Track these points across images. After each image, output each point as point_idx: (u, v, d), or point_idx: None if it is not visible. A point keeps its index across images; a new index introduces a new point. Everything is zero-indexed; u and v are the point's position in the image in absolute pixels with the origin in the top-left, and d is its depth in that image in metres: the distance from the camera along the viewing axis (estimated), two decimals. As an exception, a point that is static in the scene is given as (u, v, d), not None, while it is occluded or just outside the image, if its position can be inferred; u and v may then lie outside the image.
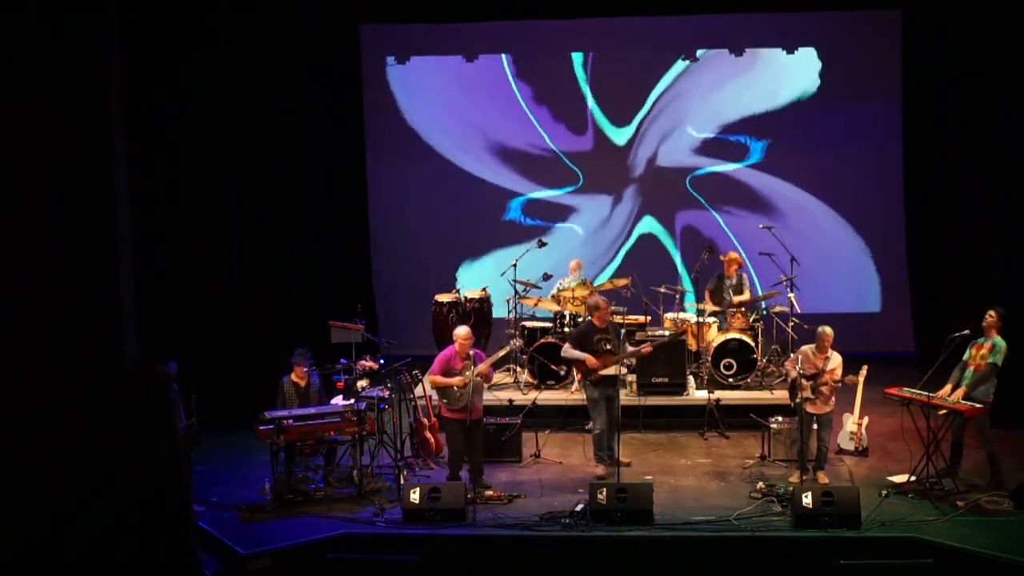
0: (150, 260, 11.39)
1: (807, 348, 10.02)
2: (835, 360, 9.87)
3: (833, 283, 14.06)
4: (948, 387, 9.80)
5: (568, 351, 10.41)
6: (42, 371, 5.70)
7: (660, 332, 12.03)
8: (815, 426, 9.91)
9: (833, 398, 9.92)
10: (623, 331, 10.61)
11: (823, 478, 9.89)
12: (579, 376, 11.91)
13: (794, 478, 9.93)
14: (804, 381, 9.85)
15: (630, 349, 10.32)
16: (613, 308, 11.11)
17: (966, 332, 9.77)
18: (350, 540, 9.06)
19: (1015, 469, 9.93)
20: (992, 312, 9.75)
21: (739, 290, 12.51)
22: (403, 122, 14.49)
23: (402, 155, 14.57)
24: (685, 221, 14.45)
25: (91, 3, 6.50)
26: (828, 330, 9.89)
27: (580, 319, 12.28)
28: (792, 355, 10.47)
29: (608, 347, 10.12)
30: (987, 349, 9.64)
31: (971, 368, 9.71)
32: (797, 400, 9.94)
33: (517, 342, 10.89)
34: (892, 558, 8.64)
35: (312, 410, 9.95)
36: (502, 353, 10.78)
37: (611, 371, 10.11)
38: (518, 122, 14.50)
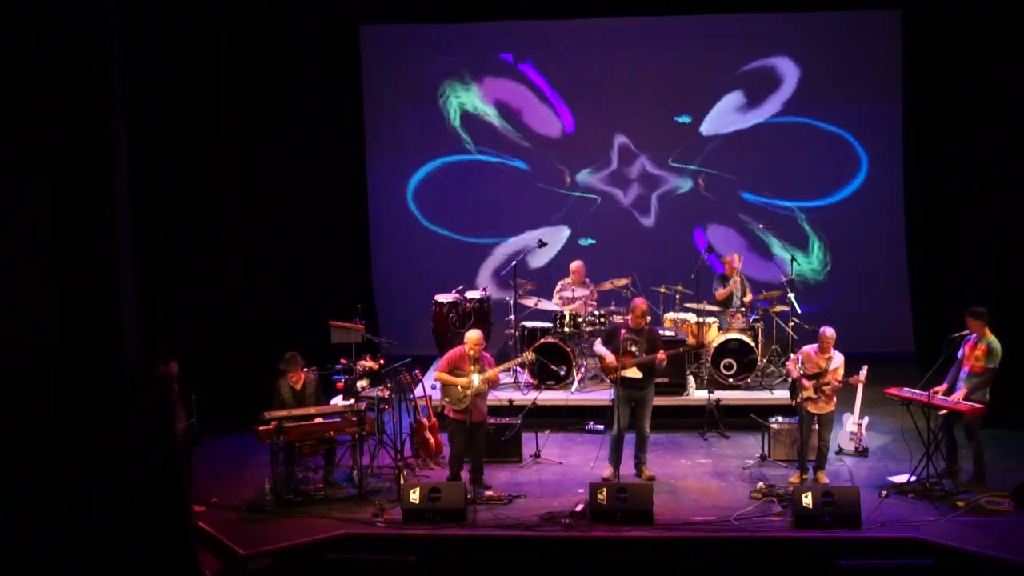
0: (150, 260, 11.39)
1: (809, 348, 10.02)
2: (838, 360, 9.87)
3: (832, 283, 14.05)
4: (945, 386, 9.81)
5: (596, 346, 10.48)
6: (41, 371, 5.69)
7: (660, 332, 12.01)
8: (816, 426, 9.92)
9: (835, 398, 9.92)
10: (649, 333, 10.27)
11: (823, 478, 9.89)
12: (579, 377, 11.94)
13: (794, 478, 9.94)
14: (806, 381, 9.86)
15: (645, 356, 10.11)
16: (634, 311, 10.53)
17: (966, 332, 9.79)
18: (350, 540, 9.06)
19: (1014, 469, 9.94)
20: (973, 315, 9.76)
21: (744, 292, 12.55)
22: (403, 121, 14.49)
23: (402, 155, 14.57)
24: (685, 221, 14.44)
25: (91, 3, 6.49)
26: (830, 331, 9.89)
27: (580, 319, 12.30)
28: (793, 355, 10.48)
29: (633, 349, 10.05)
30: (982, 352, 9.65)
31: (967, 368, 9.72)
32: (798, 400, 9.95)
33: (530, 355, 10.81)
34: (892, 558, 8.65)
35: (312, 410, 9.96)
36: (515, 362, 10.77)
37: (629, 373, 10.01)
38: (519, 121, 14.49)
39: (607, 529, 9.05)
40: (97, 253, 6.25)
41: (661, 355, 10.12)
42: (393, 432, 10.53)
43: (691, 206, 14.40)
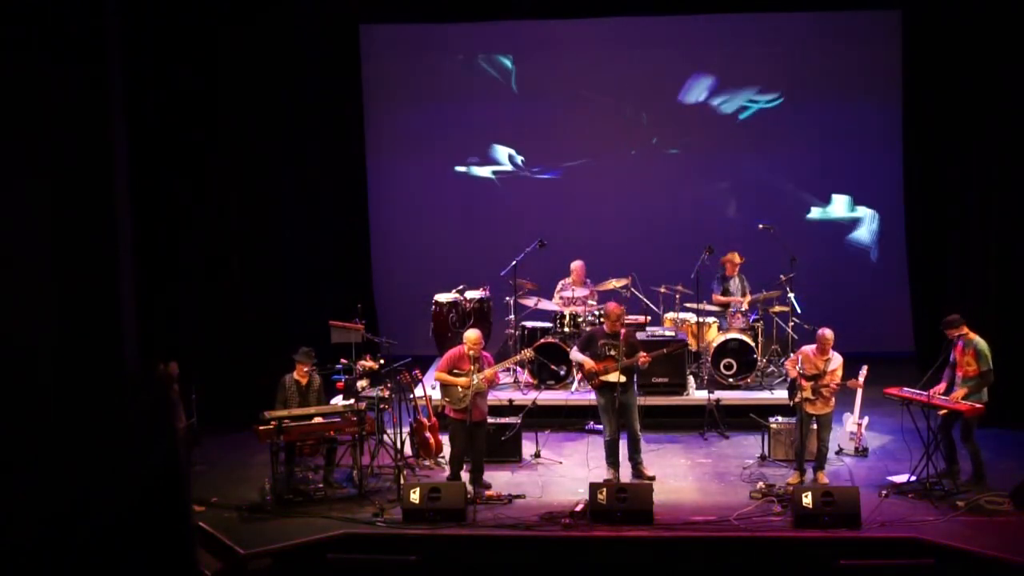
0: (150, 260, 11.39)
1: (807, 349, 10.02)
2: (836, 361, 9.86)
3: (832, 283, 14.04)
4: (943, 385, 9.81)
5: (573, 353, 10.39)
6: (41, 371, 5.69)
7: (660, 332, 12.02)
8: (814, 426, 9.92)
9: (833, 399, 9.92)
10: (626, 337, 10.13)
11: (823, 478, 9.88)
12: (579, 377, 11.94)
13: (791, 479, 9.92)
14: (804, 381, 9.85)
15: (627, 359, 9.98)
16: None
17: (956, 337, 9.80)
18: (350, 540, 9.06)
19: (1014, 469, 9.94)
20: (947, 326, 9.80)
21: (744, 292, 12.53)
22: (403, 121, 14.49)
23: (402, 155, 14.57)
24: (684, 220, 14.43)
25: (91, 3, 6.49)
26: (828, 333, 9.88)
27: (580, 319, 12.29)
28: (792, 355, 10.47)
29: (612, 353, 9.95)
30: (971, 355, 9.65)
31: (960, 373, 9.73)
32: (796, 400, 9.94)
33: (528, 352, 10.79)
34: (892, 558, 8.64)
35: (312, 410, 9.96)
36: (514, 360, 10.76)
37: (611, 378, 9.94)
38: (518, 121, 14.50)
39: (607, 529, 9.05)
40: (97, 253, 6.25)
41: (646, 357, 10.07)
42: (393, 432, 10.52)
43: (691, 205, 14.41)
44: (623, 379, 9.93)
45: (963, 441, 9.81)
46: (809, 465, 9.96)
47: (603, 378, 9.95)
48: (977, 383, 9.62)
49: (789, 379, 10.17)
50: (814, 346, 9.95)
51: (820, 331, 9.96)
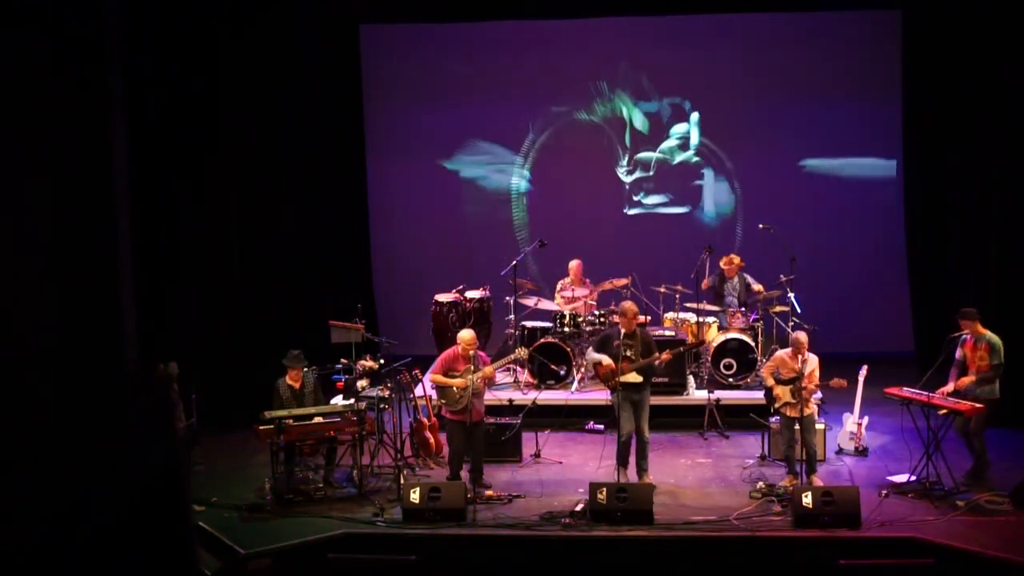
0: (150, 260, 11.39)
1: (782, 353, 10.02)
2: (812, 363, 9.85)
3: (832, 283, 14.04)
4: (951, 386, 9.81)
5: (589, 353, 10.32)
6: (41, 371, 5.70)
7: (660, 332, 12.02)
8: (797, 427, 9.85)
9: (812, 400, 9.91)
10: (643, 336, 10.03)
11: (816, 481, 9.81)
12: (580, 376, 11.93)
13: (785, 482, 9.86)
14: (779, 388, 9.84)
15: (644, 359, 9.85)
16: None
17: (963, 333, 9.81)
18: (350, 540, 9.06)
19: (1015, 469, 9.94)
20: (964, 316, 9.82)
21: (748, 292, 12.50)
22: (403, 121, 14.49)
23: (402, 155, 14.57)
24: (685, 220, 14.44)
25: (91, 3, 6.50)
26: (801, 336, 9.89)
27: (580, 319, 12.29)
28: (768, 361, 10.43)
29: (629, 353, 9.80)
30: (984, 350, 9.68)
31: (974, 369, 9.75)
32: (776, 406, 9.93)
33: (523, 351, 10.75)
34: (892, 558, 8.65)
35: (312, 410, 9.96)
36: (508, 359, 10.76)
37: (628, 378, 9.80)
38: (517, 121, 14.50)
39: (607, 529, 9.04)
40: (97, 253, 6.26)
41: (666, 355, 9.92)
42: (393, 432, 10.52)
43: (692, 205, 14.41)
44: (640, 379, 9.85)
45: (973, 436, 9.82)
46: (799, 466, 9.93)
47: (620, 378, 9.86)
48: (989, 377, 9.69)
49: (764, 387, 10.14)
50: (789, 350, 9.95)
51: (794, 335, 10.00)
